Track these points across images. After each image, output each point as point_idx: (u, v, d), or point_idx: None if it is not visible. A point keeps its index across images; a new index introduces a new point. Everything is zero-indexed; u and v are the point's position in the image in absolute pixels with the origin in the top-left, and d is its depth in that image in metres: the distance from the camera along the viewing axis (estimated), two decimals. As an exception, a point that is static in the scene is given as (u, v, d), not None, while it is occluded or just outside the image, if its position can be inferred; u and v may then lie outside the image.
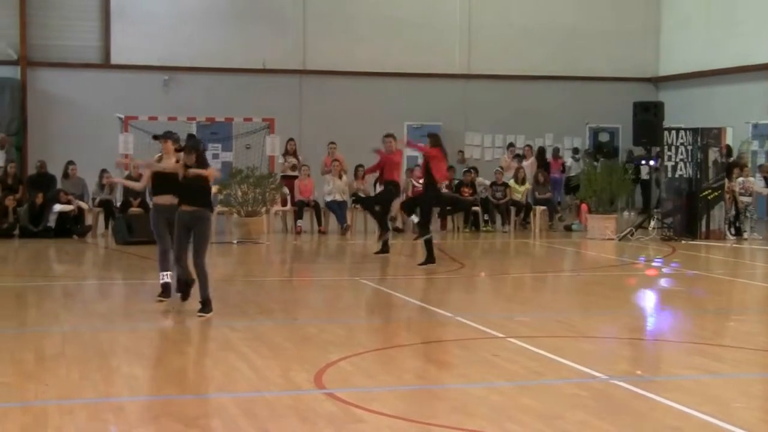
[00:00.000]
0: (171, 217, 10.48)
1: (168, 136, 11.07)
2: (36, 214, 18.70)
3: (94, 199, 19.55)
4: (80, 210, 19.09)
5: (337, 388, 7.02)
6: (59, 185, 19.70)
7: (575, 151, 26.30)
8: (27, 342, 8.82)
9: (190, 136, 14.28)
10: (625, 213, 22.12)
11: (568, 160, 26.05)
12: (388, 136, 16.04)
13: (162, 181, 10.74)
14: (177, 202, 10.30)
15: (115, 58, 24.94)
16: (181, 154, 10.51)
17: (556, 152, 26.15)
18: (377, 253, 15.76)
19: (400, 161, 16.84)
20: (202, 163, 10.07)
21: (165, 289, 10.83)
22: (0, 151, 21.62)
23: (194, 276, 10.15)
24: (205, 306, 9.96)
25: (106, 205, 19.27)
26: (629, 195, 22.06)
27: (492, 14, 27.23)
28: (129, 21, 24.92)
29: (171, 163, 10.65)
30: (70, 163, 19.94)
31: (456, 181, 21.89)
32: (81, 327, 9.62)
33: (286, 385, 7.16)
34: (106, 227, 19.11)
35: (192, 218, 10.06)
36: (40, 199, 18.72)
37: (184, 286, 10.49)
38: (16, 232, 18.62)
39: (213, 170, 10.42)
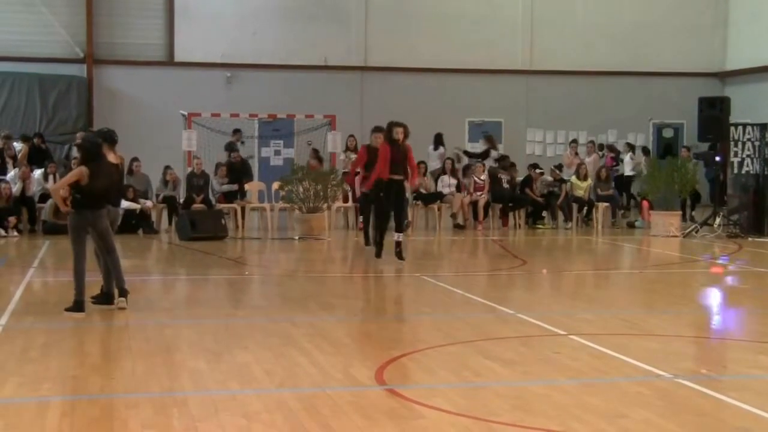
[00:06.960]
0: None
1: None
2: (102, 210, 18.93)
3: (157, 196, 19.78)
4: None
5: (398, 385, 7.03)
6: (124, 182, 19.94)
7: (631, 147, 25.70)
8: (93, 336, 8.97)
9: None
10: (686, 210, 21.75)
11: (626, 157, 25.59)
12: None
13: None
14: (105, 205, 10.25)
15: (179, 56, 25.28)
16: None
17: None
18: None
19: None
20: (85, 159, 10.13)
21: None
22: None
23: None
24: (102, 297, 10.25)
25: (170, 202, 19.50)
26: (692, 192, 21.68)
27: (555, 8, 27.05)
28: (192, 19, 25.23)
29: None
30: (135, 159, 20.15)
31: (520, 179, 21.82)
32: (146, 321, 9.74)
33: (348, 381, 7.18)
34: (170, 223, 19.35)
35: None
36: (106, 195, 18.94)
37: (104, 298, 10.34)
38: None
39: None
